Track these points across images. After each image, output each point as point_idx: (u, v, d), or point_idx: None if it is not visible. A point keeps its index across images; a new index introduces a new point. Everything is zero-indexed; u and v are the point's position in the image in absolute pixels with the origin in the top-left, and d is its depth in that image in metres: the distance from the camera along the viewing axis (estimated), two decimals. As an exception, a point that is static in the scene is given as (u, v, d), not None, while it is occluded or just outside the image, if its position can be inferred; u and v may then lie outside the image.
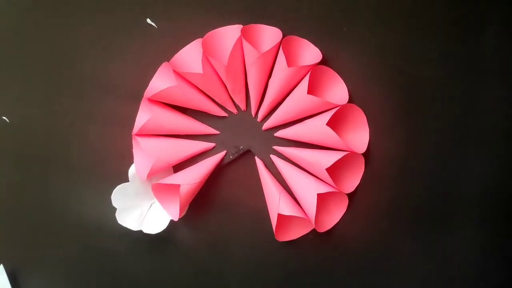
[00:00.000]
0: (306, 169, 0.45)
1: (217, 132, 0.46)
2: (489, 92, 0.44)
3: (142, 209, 0.46)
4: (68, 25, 0.46)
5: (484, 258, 0.46)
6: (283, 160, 0.46)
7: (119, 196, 0.45)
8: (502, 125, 0.45)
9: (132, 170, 0.45)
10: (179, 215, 0.44)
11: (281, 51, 0.42)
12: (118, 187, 0.45)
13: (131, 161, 0.46)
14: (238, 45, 0.43)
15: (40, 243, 0.49)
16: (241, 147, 0.46)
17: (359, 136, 0.45)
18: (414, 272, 0.46)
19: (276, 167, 0.46)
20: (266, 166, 0.46)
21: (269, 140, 0.46)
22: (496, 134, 0.45)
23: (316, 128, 0.43)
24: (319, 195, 0.43)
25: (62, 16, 0.45)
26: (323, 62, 0.44)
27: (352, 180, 0.45)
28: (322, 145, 0.44)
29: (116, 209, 0.45)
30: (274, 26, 0.43)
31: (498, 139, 0.45)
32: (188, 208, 0.46)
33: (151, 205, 0.47)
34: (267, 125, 0.46)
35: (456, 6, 0.43)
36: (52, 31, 0.46)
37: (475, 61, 0.44)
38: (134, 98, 0.45)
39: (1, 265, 0.49)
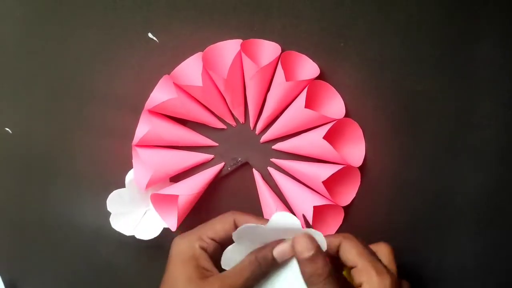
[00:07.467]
0: (303, 181, 0.46)
1: (215, 144, 0.47)
2: (483, 106, 0.44)
3: (137, 215, 0.47)
4: (71, 38, 0.46)
5: (480, 269, 0.46)
6: (280, 173, 0.46)
7: (114, 201, 0.45)
8: (496, 138, 0.45)
9: (128, 177, 0.46)
10: (177, 225, 0.45)
11: (279, 65, 0.43)
12: (114, 192, 0.45)
13: (130, 172, 0.46)
14: (238, 59, 0.43)
15: (38, 254, 0.49)
16: (239, 159, 0.46)
17: (355, 150, 0.45)
18: (411, 284, 0.46)
19: (273, 179, 0.46)
20: (263, 178, 0.46)
21: (266, 153, 0.46)
22: (490, 147, 0.45)
23: (313, 142, 0.43)
24: (315, 207, 0.43)
25: (64, 29, 0.46)
26: (320, 76, 0.44)
27: (348, 193, 0.46)
28: (319, 158, 0.44)
29: (114, 215, 0.46)
30: (273, 41, 0.44)
31: (493, 151, 0.45)
32: (185, 218, 0.46)
33: (145, 212, 0.47)
34: (265, 137, 0.46)
35: (451, 21, 0.43)
36: (55, 44, 0.46)
37: (470, 75, 0.44)
38: (135, 109, 0.46)
39: (-1, 276, 0.49)
